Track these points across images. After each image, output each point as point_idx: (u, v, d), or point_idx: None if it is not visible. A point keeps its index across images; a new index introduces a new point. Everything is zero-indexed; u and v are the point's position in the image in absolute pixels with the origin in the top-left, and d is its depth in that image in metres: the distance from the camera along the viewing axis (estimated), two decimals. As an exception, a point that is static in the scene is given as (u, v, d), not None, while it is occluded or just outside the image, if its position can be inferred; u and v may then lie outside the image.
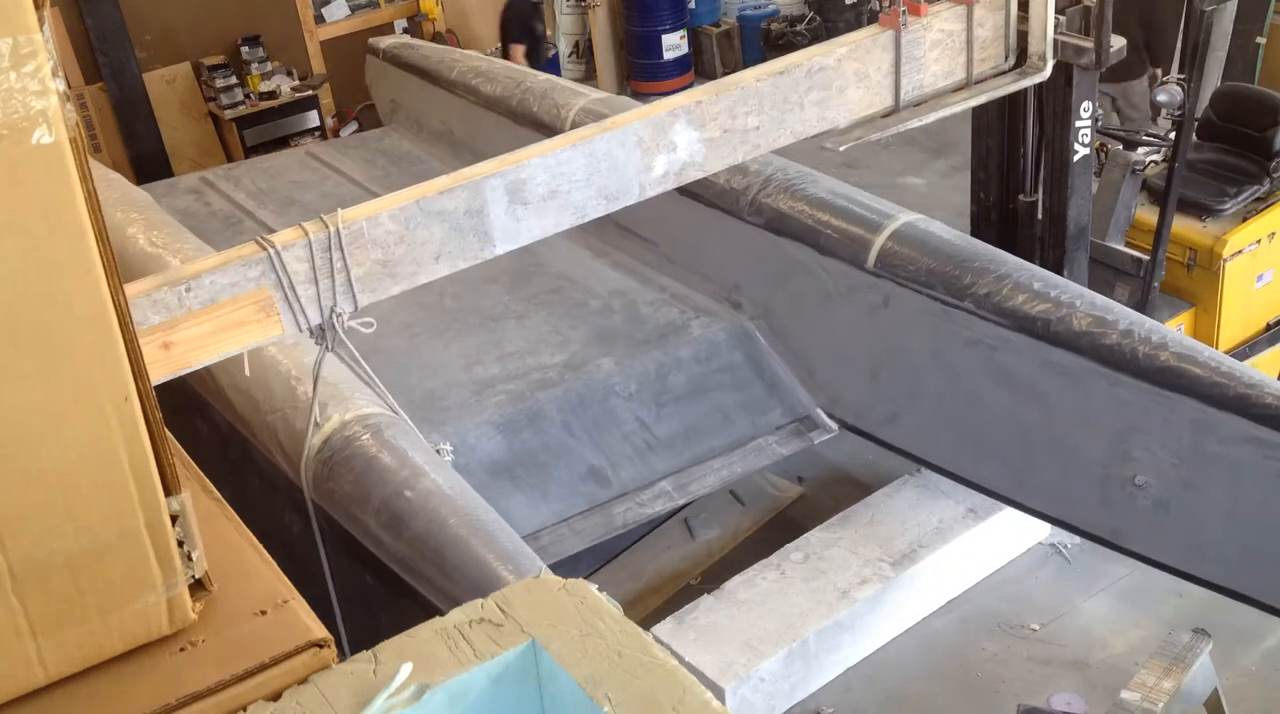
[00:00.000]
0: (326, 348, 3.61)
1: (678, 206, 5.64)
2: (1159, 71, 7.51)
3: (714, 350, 5.50)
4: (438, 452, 4.13)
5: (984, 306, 4.72)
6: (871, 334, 5.17)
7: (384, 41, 8.21)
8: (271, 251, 3.37)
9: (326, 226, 3.46)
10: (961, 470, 5.17)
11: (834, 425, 5.44)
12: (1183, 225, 5.99)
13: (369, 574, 4.04)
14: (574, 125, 6.03)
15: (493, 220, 3.72)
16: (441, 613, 3.99)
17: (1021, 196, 5.65)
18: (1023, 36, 4.92)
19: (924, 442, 5.23)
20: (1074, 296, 4.64)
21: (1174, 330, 4.63)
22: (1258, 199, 6.12)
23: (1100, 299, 4.70)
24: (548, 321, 5.71)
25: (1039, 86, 5.33)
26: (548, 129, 6.14)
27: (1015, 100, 5.45)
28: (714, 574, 5.60)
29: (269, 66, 9.98)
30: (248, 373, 4.00)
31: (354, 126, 9.62)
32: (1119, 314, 4.56)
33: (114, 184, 6.02)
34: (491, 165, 3.76)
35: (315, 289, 3.47)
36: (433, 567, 3.70)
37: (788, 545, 5.46)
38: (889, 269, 4.97)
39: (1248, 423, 4.21)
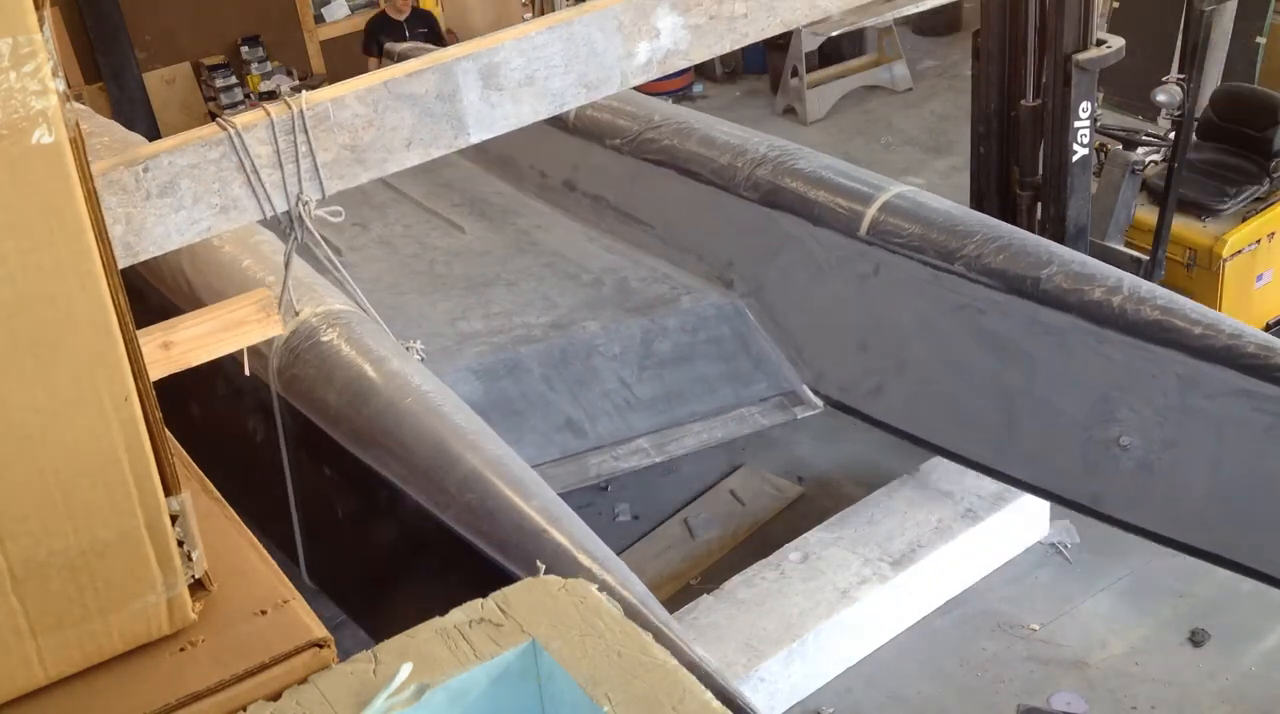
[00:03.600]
0: (296, 238, 3.52)
1: (675, 185, 5.69)
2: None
3: (702, 323, 5.54)
4: (407, 348, 4.17)
5: (973, 268, 4.72)
6: (861, 304, 5.19)
7: (399, 46, 8.22)
8: (232, 132, 3.24)
9: (290, 108, 3.32)
10: (944, 441, 5.17)
11: (819, 402, 5.45)
12: (1182, 225, 6.00)
13: (327, 466, 4.06)
14: (577, 115, 6.07)
15: (466, 106, 3.58)
16: (397, 487, 3.80)
17: (1019, 190, 5.65)
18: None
19: (908, 414, 5.24)
20: (1064, 255, 4.65)
21: (1158, 286, 4.60)
22: (1257, 199, 6.13)
23: (1091, 260, 4.70)
24: (537, 290, 5.74)
25: (1038, 88, 5.33)
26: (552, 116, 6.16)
27: (1014, 101, 5.46)
28: (714, 574, 5.60)
29: (269, 66, 9.98)
30: (247, 372, 3.99)
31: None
32: (1107, 272, 4.56)
33: (112, 129, 5.97)
34: (463, 49, 3.62)
35: (280, 174, 3.33)
36: (391, 439, 3.74)
37: (787, 545, 5.46)
38: (881, 236, 4.99)
39: (1235, 374, 4.18)
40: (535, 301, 5.62)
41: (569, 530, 3.39)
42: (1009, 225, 4.98)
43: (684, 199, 5.70)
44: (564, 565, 3.30)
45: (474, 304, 5.62)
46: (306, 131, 3.33)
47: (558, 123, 6.14)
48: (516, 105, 3.67)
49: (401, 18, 9.27)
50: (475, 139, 3.65)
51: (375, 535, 4.21)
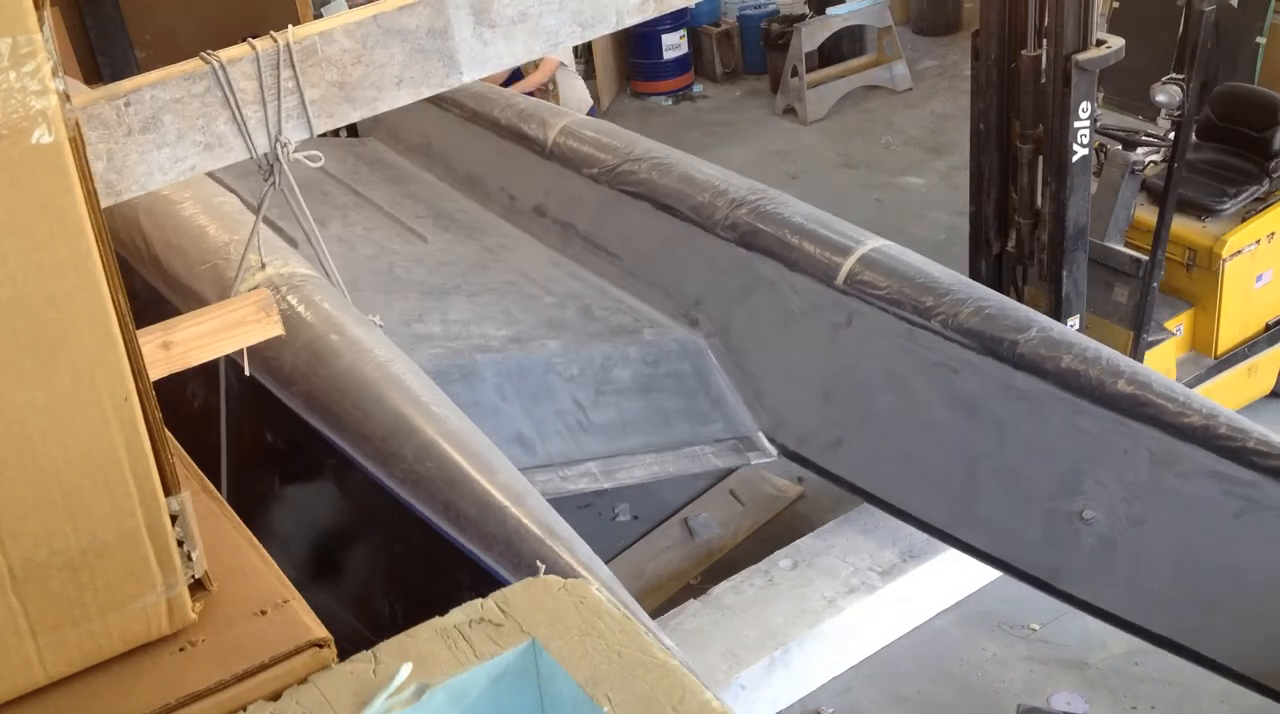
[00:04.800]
0: (273, 182, 3.44)
1: (649, 219, 5.59)
2: None
3: (663, 356, 5.41)
4: (370, 320, 4.09)
5: (950, 326, 4.64)
6: (830, 354, 5.09)
7: None
8: (215, 64, 3.15)
9: (275, 41, 3.23)
10: (900, 502, 5.03)
11: (773, 450, 5.33)
12: (1182, 225, 5.99)
13: (270, 432, 3.96)
14: (555, 142, 6.04)
15: (458, 43, 3.48)
16: (348, 455, 3.71)
17: (1020, 222, 5.66)
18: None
19: (866, 470, 5.11)
20: (1043, 322, 4.59)
21: (1130, 359, 4.52)
22: (1257, 199, 6.12)
23: (1071, 330, 4.67)
24: (498, 304, 5.59)
25: (1038, 87, 5.32)
26: (530, 140, 6.12)
27: (1013, 101, 5.47)
28: (714, 574, 5.60)
29: (269, 66, 9.97)
30: (247, 372, 3.97)
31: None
32: (1085, 342, 4.50)
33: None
34: None
35: (265, 112, 3.24)
36: (349, 403, 3.64)
37: (778, 551, 5.47)
38: (858, 287, 4.91)
39: (1209, 455, 4.09)
40: (495, 315, 5.47)
41: (532, 509, 3.33)
42: (989, 288, 4.92)
43: (657, 233, 5.60)
44: (526, 544, 3.26)
45: (432, 309, 5.46)
46: (294, 66, 3.24)
47: (534, 147, 6.11)
48: (510, 43, 3.57)
49: None
50: (468, 78, 3.55)
51: (318, 505, 4.10)
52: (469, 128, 6.74)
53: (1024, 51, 5.35)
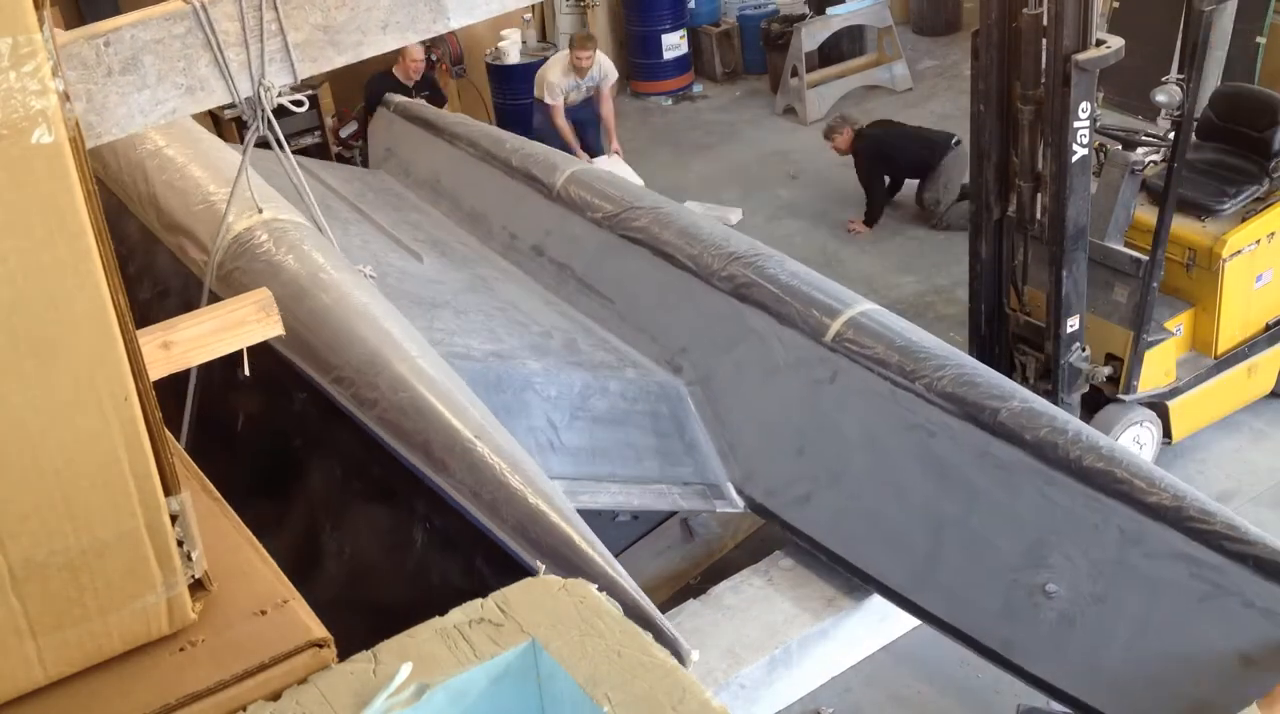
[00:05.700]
0: (258, 129, 3.42)
1: (645, 265, 5.63)
2: None
3: (642, 395, 5.43)
4: (358, 269, 4.17)
5: (933, 389, 4.66)
6: (809, 410, 5.11)
7: (397, 98, 8.20)
8: (196, 5, 3.10)
9: None
10: (862, 563, 5.01)
11: (740, 502, 5.31)
12: (1182, 225, 6.00)
13: (240, 369, 4.04)
14: (563, 187, 6.11)
15: None
16: (321, 387, 3.83)
17: (1020, 185, 5.63)
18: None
19: (831, 529, 5.09)
20: (1024, 393, 4.61)
21: (1108, 438, 4.52)
22: (1257, 199, 6.13)
23: (1051, 405, 4.67)
24: (485, 324, 5.61)
25: (1038, 46, 5.28)
26: (538, 182, 6.21)
27: (1013, 102, 5.46)
28: (714, 574, 5.61)
29: (268, 66, 9.95)
30: (246, 373, 3.96)
31: (353, 127, 9.62)
32: (1066, 417, 4.51)
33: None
34: None
35: (248, 54, 3.18)
36: (329, 334, 3.74)
37: (777, 552, 5.47)
38: (845, 345, 4.94)
39: (1179, 536, 4.06)
40: (480, 331, 5.48)
41: (498, 445, 3.45)
42: (974, 359, 4.96)
43: (652, 279, 5.64)
44: (489, 475, 3.37)
45: (418, 315, 5.43)
46: (276, 8, 3.18)
47: (541, 189, 6.19)
48: None
49: (410, 82, 8.95)
50: (455, 24, 3.50)
51: (285, 435, 4.13)
52: (480, 167, 6.82)
53: (1025, 10, 5.31)
